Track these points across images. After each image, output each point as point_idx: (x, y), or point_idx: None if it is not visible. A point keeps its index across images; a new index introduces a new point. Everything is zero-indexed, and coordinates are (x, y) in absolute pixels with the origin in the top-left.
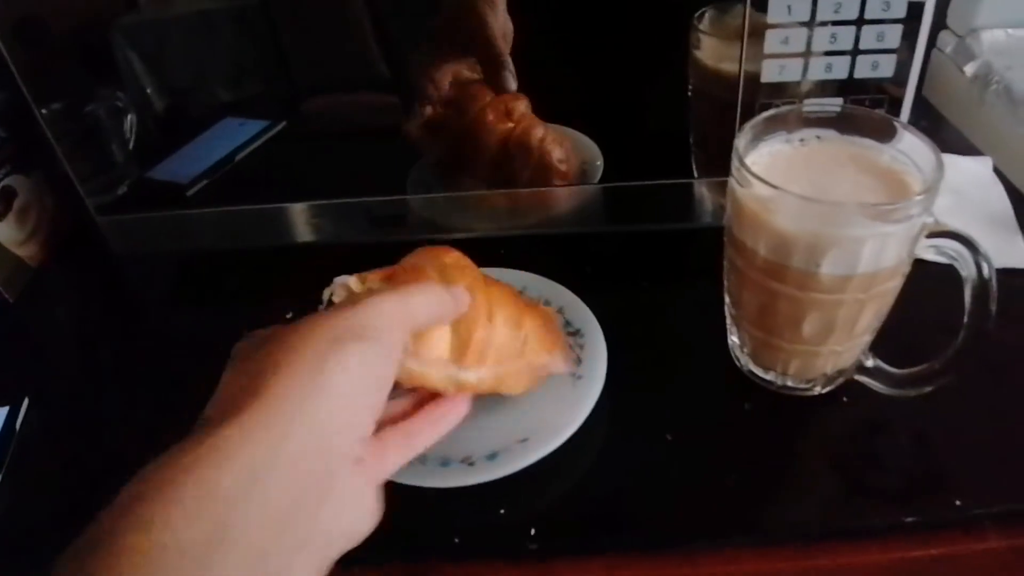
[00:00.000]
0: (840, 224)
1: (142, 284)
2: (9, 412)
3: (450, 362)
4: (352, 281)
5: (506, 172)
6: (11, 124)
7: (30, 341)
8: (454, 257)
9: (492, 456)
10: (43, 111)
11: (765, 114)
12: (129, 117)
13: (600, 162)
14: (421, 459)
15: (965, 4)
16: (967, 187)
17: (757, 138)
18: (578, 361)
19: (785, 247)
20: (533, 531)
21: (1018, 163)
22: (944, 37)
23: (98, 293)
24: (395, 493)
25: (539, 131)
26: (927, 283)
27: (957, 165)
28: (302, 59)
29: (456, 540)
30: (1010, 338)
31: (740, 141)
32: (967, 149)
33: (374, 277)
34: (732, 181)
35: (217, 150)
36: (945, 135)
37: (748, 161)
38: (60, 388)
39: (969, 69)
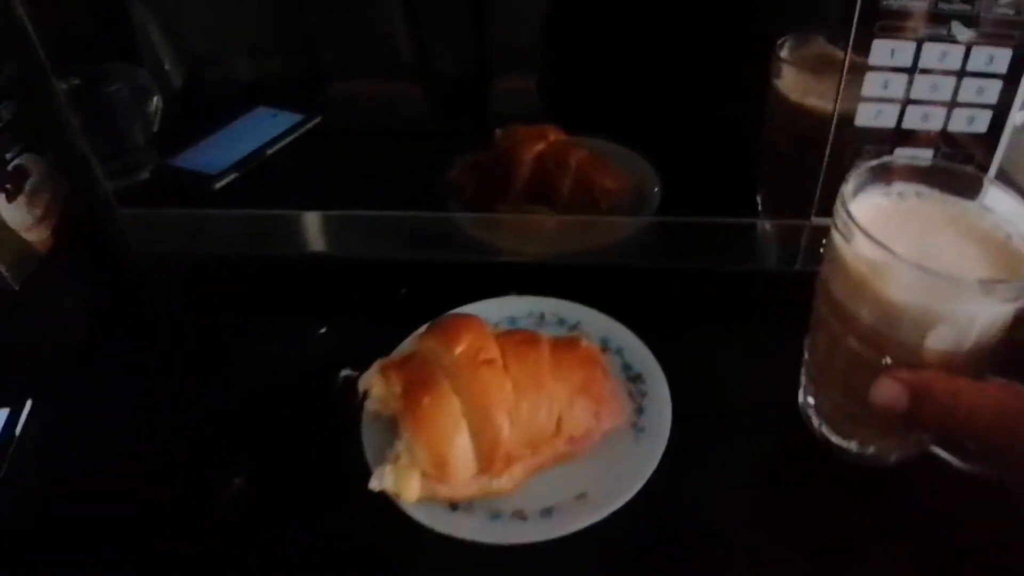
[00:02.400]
0: (954, 300)
1: (154, 280)
2: (9, 415)
3: (479, 475)
4: (377, 384)
5: (544, 191)
6: (27, 99)
7: (33, 334)
8: (465, 345)
9: (547, 512)
10: (63, 86)
11: (871, 163)
12: (155, 98)
13: (658, 188)
14: (467, 508)
15: None
16: None
17: (859, 188)
18: (640, 411)
19: (891, 317)
20: None
21: None
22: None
23: (107, 286)
24: (436, 545)
25: (578, 151)
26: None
27: None
28: (333, 45)
29: None
30: None
31: (846, 189)
32: None
33: (396, 376)
34: (835, 234)
35: (248, 142)
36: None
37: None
38: (63, 388)
39: (1020, 117)
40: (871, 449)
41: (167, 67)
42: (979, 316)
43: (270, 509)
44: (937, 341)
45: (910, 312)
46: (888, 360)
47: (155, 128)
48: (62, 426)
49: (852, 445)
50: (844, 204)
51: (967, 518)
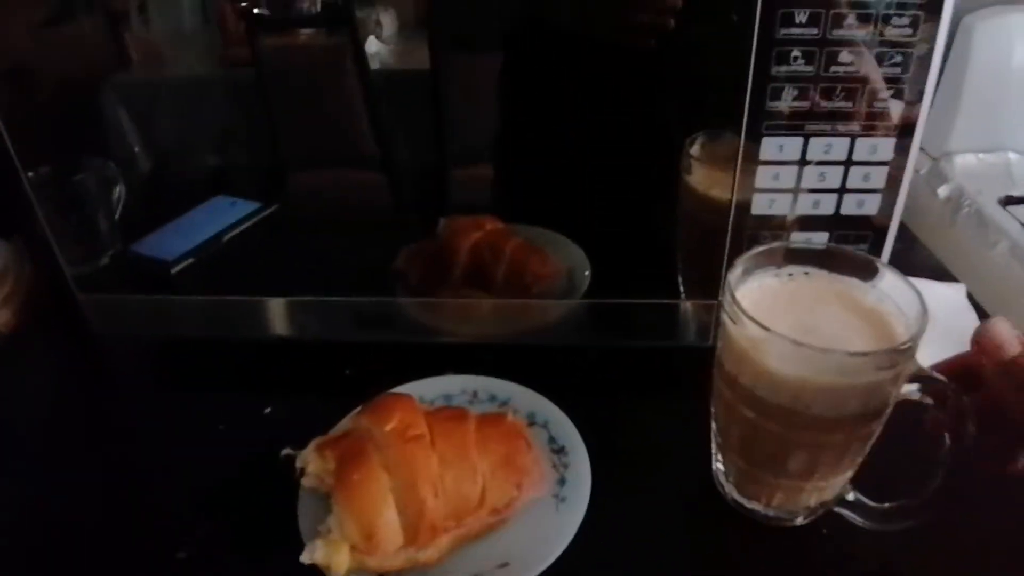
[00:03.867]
0: (829, 369)
1: (118, 362)
2: None
3: (405, 546)
4: (313, 461)
5: (481, 277)
6: None
7: None
8: (396, 421)
9: None
10: (29, 174)
11: (756, 250)
12: (118, 188)
13: (588, 272)
14: None
15: (938, 128)
16: (940, 314)
17: (747, 272)
18: (562, 481)
19: (774, 386)
20: None
21: (988, 286)
22: (919, 160)
23: (71, 368)
24: None
25: (513, 239)
26: (905, 417)
27: (932, 291)
28: (294, 136)
29: None
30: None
31: (732, 275)
32: (939, 271)
33: (330, 453)
34: (724, 316)
35: (205, 228)
36: (918, 257)
37: (738, 295)
38: (23, 468)
39: (942, 192)
40: (777, 511)
41: (131, 158)
42: (857, 384)
43: None
44: (819, 408)
45: (790, 381)
46: (778, 429)
47: (117, 216)
48: (19, 496)
49: (759, 507)
50: (730, 288)
51: (870, 568)
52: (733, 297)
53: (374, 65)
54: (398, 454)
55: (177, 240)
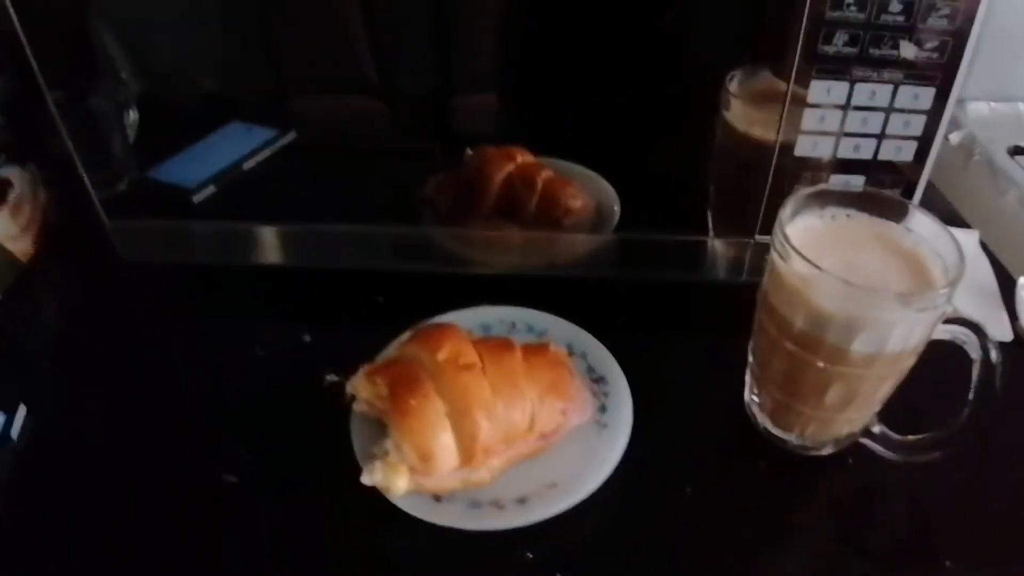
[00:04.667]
0: (875, 308)
1: (145, 290)
2: (5, 420)
3: (460, 468)
4: (364, 387)
5: (512, 208)
6: (10, 112)
7: (18, 342)
8: (447, 351)
9: (522, 501)
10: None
11: (805, 191)
12: (131, 111)
13: (617, 206)
14: (450, 499)
15: None
16: None
17: (795, 213)
18: (603, 409)
19: (821, 323)
20: None
21: (998, 233)
22: None
23: (91, 295)
24: (423, 534)
25: (544, 171)
26: (932, 356)
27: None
28: (301, 63)
29: None
30: (1000, 410)
31: (783, 214)
32: (952, 216)
33: (381, 380)
34: (773, 253)
35: (224, 156)
36: (933, 202)
37: (786, 231)
38: (50, 393)
39: (954, 138)
40: (808, 441)
41: (141, 78)
42: (898, 323)
43: (263, 505)
44: (862, 344)
45: (837, 318)
46: (820, 363)
47: (131, 141)
48: (51, 430)
49: (791, 437)
50: (781, 227)
51: (891, 497)
52: (785, 236)
53: None
54: (452, 381)
55: (196, 167)
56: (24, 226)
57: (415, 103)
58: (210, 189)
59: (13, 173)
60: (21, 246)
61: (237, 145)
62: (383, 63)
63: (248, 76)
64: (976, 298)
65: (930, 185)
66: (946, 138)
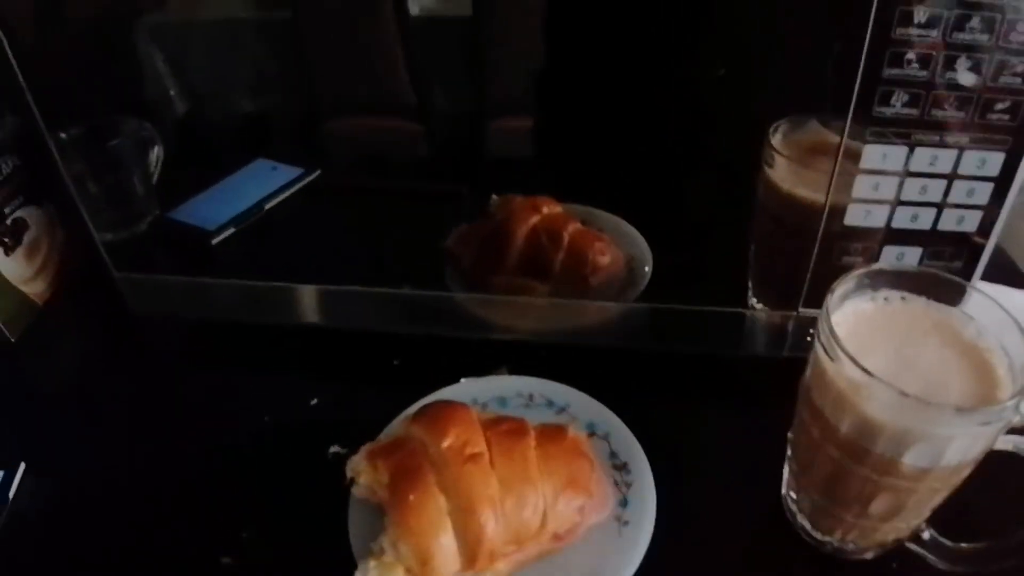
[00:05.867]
0: (932, 422)
1: (156, 341)
2: (4, 477)
3: (462, 572)
4: (364, 471)
5: (537, 264)
6: (26, 152)
7: (30, 387)
8: (453, 437)
9: None
10: (62, 135)
11: (852, 273)
12: (155, 149)
13: (648, 267)
14: None
15: None
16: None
17: (844, 297)
18: (624, 503)
19: (870, 432)
20: None
21: None
22: None
23: (104, 341)
24: None
25: (572, 224)
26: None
27: (1010, 299)
28: (334, 98)
29: None
30: None
31: (830, 301)
32: (1010, 269)
33: (383, 465)
34: (818, 347)
35: (246, 196)
36: (993, 256)
37: (834, 320)
38: (58, 448)
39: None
40: (849, 545)
41: (167, 115)
42: (957, 437)
43: None
44: (915, 458)
45: (888, 429)
46: (867, 473)
47: (154, 180)
48: (49, 491)
49: (831, 539)
50: (827, 319)
51: None
52: (832, 333)
53: (414, 11)
54: (456, 475)
55: (218, 207)
56: (39, 267)
57: (444, 141)
58: (229, 231)
59: (30, 214)
60: (36, 288)
61: (261, 184)
62: (417, 95)
63: (278, 111)
64: None
65: (1002, 251)
66: None
